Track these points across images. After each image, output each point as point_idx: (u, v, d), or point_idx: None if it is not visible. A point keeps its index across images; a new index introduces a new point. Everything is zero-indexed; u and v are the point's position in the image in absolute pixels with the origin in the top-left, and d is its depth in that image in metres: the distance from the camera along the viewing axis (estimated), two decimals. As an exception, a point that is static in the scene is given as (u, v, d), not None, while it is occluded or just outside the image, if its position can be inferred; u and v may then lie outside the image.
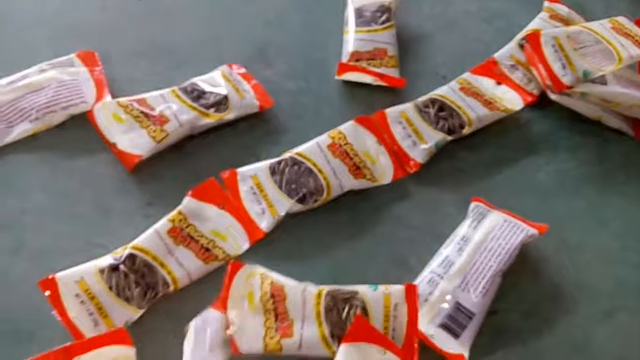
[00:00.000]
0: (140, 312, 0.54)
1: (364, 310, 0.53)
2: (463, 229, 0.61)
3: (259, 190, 0.62)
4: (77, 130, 0.67)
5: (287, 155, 0.64)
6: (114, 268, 0.54)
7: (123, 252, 0.55)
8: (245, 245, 0.60)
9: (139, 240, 0.56)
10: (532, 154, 0.72)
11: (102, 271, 0.54)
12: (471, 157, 0.71)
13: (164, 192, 0.63)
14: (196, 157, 0.66)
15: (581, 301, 0.61)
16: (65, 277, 0.53)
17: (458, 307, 0.56)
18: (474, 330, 0.56)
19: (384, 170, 0.66)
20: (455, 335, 0.55)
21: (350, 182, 0.64)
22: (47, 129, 0.66)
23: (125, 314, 0.53)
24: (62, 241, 0.60)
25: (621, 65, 0.71)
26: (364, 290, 0.54)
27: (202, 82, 0.68)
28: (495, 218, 0.61)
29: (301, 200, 0.62)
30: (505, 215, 0.62)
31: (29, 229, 0.61)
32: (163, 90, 0.66)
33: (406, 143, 0.68)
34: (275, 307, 0.52)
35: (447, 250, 0.60)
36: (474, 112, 0.70)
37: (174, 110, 0.64)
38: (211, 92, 0.67)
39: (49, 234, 0.60)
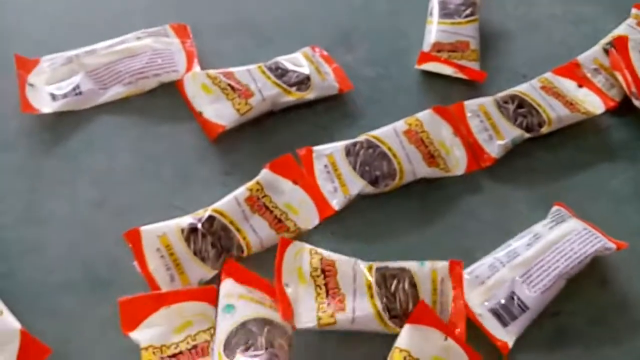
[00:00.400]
0: (214, 272, 0.57)
1: (412, 284, 0.55)
2: (538, 226, 0.61)
3: (334, 169, 0.63)
4: (167, 98, 0.70)
5: (363, 137, 0.65)
6: (193, 229, 0.57)
7: (204, 213, 0.58)
8: (316, 221, 0.62)
9: (219, 204, 0.59)
10: (609, 160, 0.71)
11: (182, 230, 0.57)
12: (547, 156, 0.70)
13: (242, 163, 0.66)
14: (275, 132, 0.69)
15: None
16: (149, 230, 0.56)
17: (513, 296, 0.56)
18: (524, 324, 0.55)
19: (458, 162, 0.66)
20: (504, 323, 0.55)
21: (424, 170, 0.64)
22: (138, 94, 0.70)
23: (200, 272, 0.56)
24: (143, 200, 0.63)
25: None
26: (412, 265, 0.56)
27: (285, 61, 0.70)
28: (575, 224, 0.60)
29: (373, 183, 0.63)
30: (586, 225, 0.61)
31: (115, 185, 0.64)
32: (250, 65, 0.69)
33: (482, 137, 0.68)
34: (327, 282, 0.54)
35: (516, 242, 0.60)
36: (554, 112, 0.69)
37: (259, 85, 0.66)
38: (294, 71, 0.69)
39: (132, 193, 0.64)
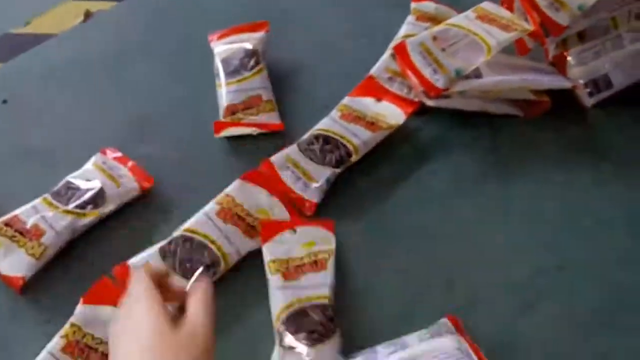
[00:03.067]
0: None
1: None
2: (411, 336, 0.57)
3: (155, 279, 0.60)
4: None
5: (176, 233, 0.62)
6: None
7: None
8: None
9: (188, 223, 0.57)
10: (426, 162, 0.72)
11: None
12: (369, 180, 0.70)
13: (60, 305, 0.60)
14: (86, 258, 0.64)
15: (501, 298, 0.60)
16: None
17: None
18: None
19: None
20: None
21: (247, 244, 0.62)
22: None
23: None
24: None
25: (492, 54, 0.71)
26: None
27: (75, 179, 0.66)
28: (451, 342, 0.55)
29: (199, 278, 0.60)
30: (465, 346, 0.55)
31: None
32: (34, 200, 0.64)
33: (298, 186, 0.67)
34: None
35: (380, 347, 0.56)
36: (358, 139, 0.69)
37: (49, 219, 0.61)
38: (86, 189, 0.64)
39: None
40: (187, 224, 0.62)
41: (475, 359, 0.54)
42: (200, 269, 0.49)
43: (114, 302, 0.58)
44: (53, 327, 0.58)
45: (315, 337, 0.55)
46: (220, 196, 0.64)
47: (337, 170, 0.68)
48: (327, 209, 0.67)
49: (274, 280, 0.59)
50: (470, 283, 0.62)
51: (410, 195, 0.69)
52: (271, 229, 0.63)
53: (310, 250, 0.61)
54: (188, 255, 0.60)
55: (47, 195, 0.64)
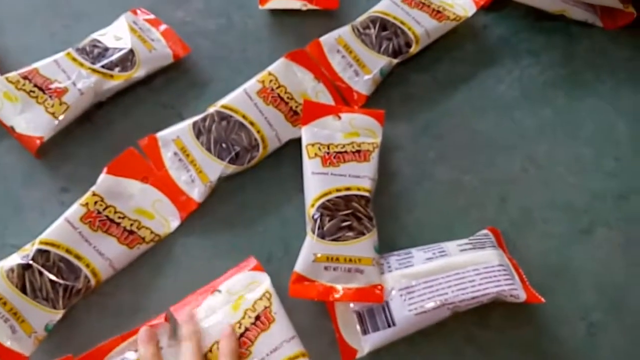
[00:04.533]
0: (61, 312, 0.48)
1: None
2: (450, 244, 0.53)
3: (185, 155, 0.54)
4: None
5: (212, 109, 0.55)
6: (25, 267, 0.48)
7: (31, 247, 0.49)
8: (176, 222, 0.54)
9: (48, 233, 0.49)
10: (491, 65, 0.64)
11: (12, 271, 0.48)
12: (422, 78, 0.63)
13: (78, 172, 0.56)
14: (110, 126, 0.58)
15: (556, 221, 0.56)
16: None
17: (384, 307, 0.49)
18: (385, 339, 0.49)
19: (325, 111, 0.58)
20: (364, 330, 0.50)
21: (289, 131, 0.56)
22: None
23: (45, 316, 0.48)
24: (-27, 246, 0.53)
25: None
26: None
27: (102, 37, 0.58)
28: (493, 257, 0.51)
29: (234, 160, 0.54)
30: (507, 262, 0.52)
31: None
32: (57, 55, 0.57)
33: (348, 75, 0.60)
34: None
35: (417, 252, 0.52)
36: (420, 27, 0.61)
37: (72, 77, 0.55)
38: (114, 48, 0.57)
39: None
40: (225, 100, 0.56)
41: (517, 278, 0.51)
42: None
43: (139, 175, 0.53)
44: (70, 196, 0.54)
45: (350, 229, 0.51)
46: (262, 74, 0.57)
47: (394, 61, 0.60)
48: (376, 102, 0.60)
49: (311, 164, 0.53)
50: (524, 201, 0.57)
51: (469, 99, 0.62)
52: (313, 111, 0.56)
53: (353, 140, 0.55)
54: (224, 134, 0.54)
55: (71, 50, 0.57)
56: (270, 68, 0.58)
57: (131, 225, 0.52)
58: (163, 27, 0.61)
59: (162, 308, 0.49)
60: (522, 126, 0.61)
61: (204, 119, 0.55)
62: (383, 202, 0.56)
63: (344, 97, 0.60)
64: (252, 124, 0.55)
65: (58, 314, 0.48)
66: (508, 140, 0.60)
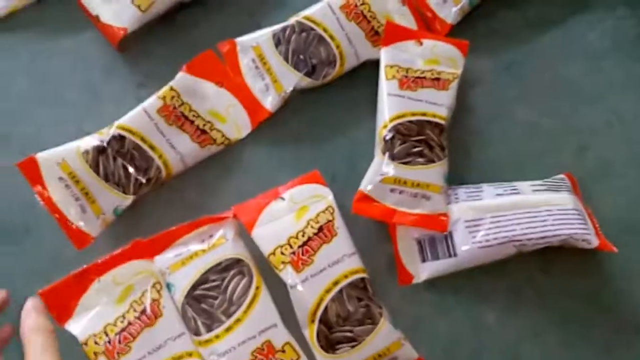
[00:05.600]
0: (130, 198, 0.49)
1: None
2: (523, 183, 0.51)
3: (262, 62, 0.54)
4: (59, 6, 0.59)
5: (293, 20, 0.55)
6: (100, 150, 0.49)
7: (108, 131, 0.49)
8: (247, 129, 0.54)
9: (125, 119, 0.50)
10: (583, 11, 0.61)
11: (87, 152, 0.49)
12: (511, 15, 0.60)
13: (157, 70, 0.56)
14: (191, 28, 0.58)
15: (634, 178, 0.53)
16: (45, 158, 0.48)
17: (447, 236, 0.48)
18: (443, 269, 0.48)
19: (407, 36, 0.56)
20: (424, 258, 0.49)
21: (368, 51, 0.55)
22: (24, 5, 0.59)
23: (114, 200, 0.49)
24: (49, 130, 0.55)
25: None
26: None
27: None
28: (568, 200, 0.49)
29: (310, 74, 0.53)
30: (582, 209, 0.50)
31: (14, 118, 0.55)
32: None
33: (436, 0, 0.58)
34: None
35: (488, 187, 0.51)
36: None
37: (159, -28, 0.55)
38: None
39: (36, 123, 0.55)
40: (307, 12, 0.55)
41: (590, 225, 0.49)
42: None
43: (215, 79, 0.53)
44: (147, 92, 0.54)
45: (420, 155, 0.50)
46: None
47: None
48: (460, 34, 0.58)
49: (388, 85, 0.52)
50: (603, 154, 0.54)
51: (558, 43, 0.59)
52: (395, 33, 0.54)
53: (433, 67, 0.54)
54: (303, 46, 0.54)
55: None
56: (354, -15, 0.56)
57: (204, 125, 0.52)
58: None
59: (226, 208, 0.49)
60: (610, 78, 0.58)
61: (284, 29, 0.54)
62: (457, 136, 0.54)
63: (428, 24, 0.58)
64: (332, 38, 0.54)
65: (128, 200, 0.49)
66: (594, 90, 0.57)
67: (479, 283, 0.50)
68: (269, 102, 0.54)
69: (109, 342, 0.42)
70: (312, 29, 0.54)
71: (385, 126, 0.51)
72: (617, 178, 0.54)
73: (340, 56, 0.54)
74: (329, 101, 0.56)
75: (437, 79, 0.53)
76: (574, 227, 0.47)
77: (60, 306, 0.42)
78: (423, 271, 0.49)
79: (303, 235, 0.47)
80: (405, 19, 0.57)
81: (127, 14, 0.54)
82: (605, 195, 0.53)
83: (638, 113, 0.56)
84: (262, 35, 0.54)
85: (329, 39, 0.54)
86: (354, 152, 0.54)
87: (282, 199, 0.49)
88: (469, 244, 0.48)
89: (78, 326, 0.42)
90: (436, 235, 0.49)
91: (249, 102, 0.54)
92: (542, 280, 0.50)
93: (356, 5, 0.55)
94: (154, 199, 0.52)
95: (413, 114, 0.51)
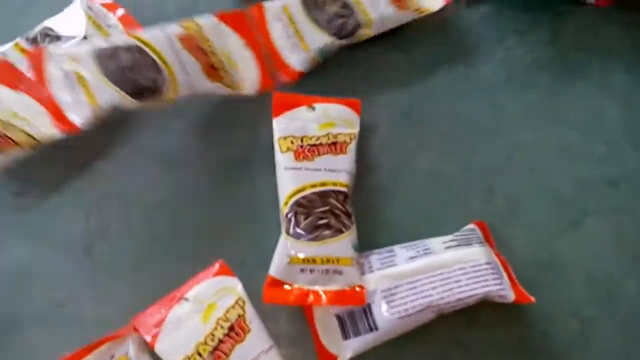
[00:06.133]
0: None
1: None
2: (434, 240, 0.50)
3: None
4: None
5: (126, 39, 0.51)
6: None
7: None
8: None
9: (142, 33, 0.50)
10: (472, 48, 0.61)
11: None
12: (403, 59, 0.59)
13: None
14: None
15: (544, 211, 0.53)
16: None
17: (366, 310, 0.46)
18: (366, 344, 0.46)
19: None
20: (345, 335, 0.47)
21: (204, 84, 0.52)
22: None
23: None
24: None
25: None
26: None
27: (55, 24, 0.54)
28: (480, 254, 0.48)
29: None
30: (495, 260, 0.49)
31: None
32: (4, 46, 0.52)
33: (285, 44, 0.56)
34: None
35: (400, 250, 0.49)
36: (376, 11, 0.57)
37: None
38: (67, 37, 0.53)
39: None
40: (141, 34, 0.51)
41: (505, 276, 0.48)
42: None
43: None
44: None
45: (327, 227, 0.48)
46: (187, 22, 0.53)
47: (337, 42, 0.56)
48: (353, 85, 0.56)
49: (284, 159, 0.50)
50: (510, 191, 0.54)
51: (450, 82, 0.59)
52: (285, 102, 0.53)
53: (329, 131, 0.52)
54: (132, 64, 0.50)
55: (20, 40, 0.52)
56: (198, 20, 0.53)
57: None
58: (120, 11, 0.57)
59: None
60: (506, 111, 0.58)
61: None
62: (361, 197, 0.52)
63: (275, 68, 0.56)
64: (164, 63, 0.50)
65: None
66: (491, 126, 0.57)
67: (405, 352, 0.48)
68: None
69: None
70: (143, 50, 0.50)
71: (286, 203, 0.48)
72: (526, 214, 0.53)
73: (171, 80, 0.50)
74: (223, 183, 0.53)
75: (334, 143, 0.51)
76: (489, 283, 0.46)
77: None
78: (347, 349, 0.47)
79: (212, 340, 0.44)
80: (249, 65, 0.55)
81: None
82: (517, 234, 0.52)
83: (536, 141, 0.57)
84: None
85: (161, 64, 0.50)
86: (260, 234, 0.51)
87: (186, 299, 0.46)
88: (388, 315, 0.46)
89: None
90: (355, 310, 0.47)
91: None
92: (468, 337, 0.49)
93: (195, 38, 0.52)
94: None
95: (313, 185, 0.49)
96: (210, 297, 0.46)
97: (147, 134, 0.55)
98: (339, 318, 0.47)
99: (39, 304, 0.48)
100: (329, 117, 0.53)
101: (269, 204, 0.51)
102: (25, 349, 0.46)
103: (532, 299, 0.47)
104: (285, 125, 0.52)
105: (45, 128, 0.48)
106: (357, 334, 0.47)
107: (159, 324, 0.44)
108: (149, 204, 0.51)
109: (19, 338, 0.46)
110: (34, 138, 0.48)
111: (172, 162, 0.53)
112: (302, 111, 0.53)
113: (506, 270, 0.49)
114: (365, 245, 0.50)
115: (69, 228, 0.50)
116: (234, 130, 0.55)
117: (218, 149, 0.54)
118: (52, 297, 0.48)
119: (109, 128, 0.52)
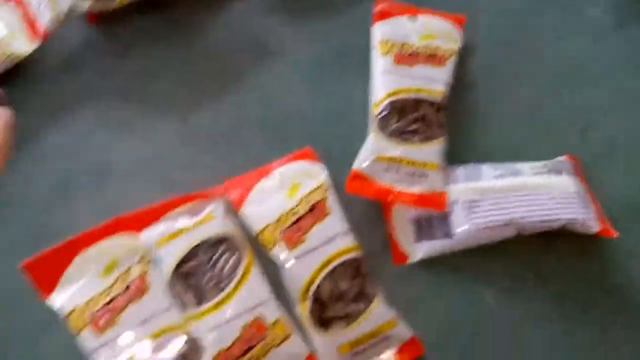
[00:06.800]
0: None
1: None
2: (523, 165, 0.49)
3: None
4: None
5: None
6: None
7: None
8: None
9: None
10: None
11: None
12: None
13: None
14: None
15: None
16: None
17: (444, 217, 0.47)
18: (439, 249, 0.47)
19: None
20: (418, 237, 0.47)
21: None
22: None
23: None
24: None
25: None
26: None
27: None
28: (569, 183, 0.48)
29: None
30: (583, 192, 0.48)
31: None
32: None
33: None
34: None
35: (486, 166, 0.49)
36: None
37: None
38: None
39: None
40: None
41: (592, 209, 0.47)
42: None
43: None
44: None
45: (417, 133, 0.48)
46: None
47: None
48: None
49: (383, 61, 0.51)
50: (609, 135, 0.53)
51: (559, 19, 0.58)
52: (387, 9, 0.54)
53: (428, 43, 0.52)
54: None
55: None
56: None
57: None
58: None
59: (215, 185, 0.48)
60: (614, 53, 0.56)
61: None
62: (454, 114, 0.53)
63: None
64: None
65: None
66: (596, 68, 0.56)
67: (477, 264, 0.48)
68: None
69: (93, 315, 0.41)
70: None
71: (380, 103, 0.49)
72: (621, 158, 0.52)
73: None
74: (322, 79, 0.54)
75: (434, 55, 0.52)
76: (575, 211, 0.46)
77: (43, 279, 0.41)
78: (418, 251, 0.48)
79: (294, 214, 0.46)
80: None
81: None
82: (610, 175, 0.51)
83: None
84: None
85: None
86: (350, 130, 0.52)
87: (274, 175, 0.48)
88: (466, 225, 0.46)
89: (61, 299, 0.41)
90: (433, 215, 0.48)
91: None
92: (543, 262, 0.48)
93: None
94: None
95: (408, 91, 0.50)
96: (296, 177, 0.47)
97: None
98: (417, 220, 0.48)
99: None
100: (430, 29, 0.53)
101: (358, 106, 0.52)
102: (119, 192, 0.50)
103: (616, 233, 0.46)
104: (386, 30, 0.53)
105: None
106: (431, 237, 0.47)
107: (247, 191, 0.46)
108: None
109: (114, 179, 0.50)
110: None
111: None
112: (403, 20, 0.53)
113: (594, 203, 0.48)
114: (452, 159, 0.50)
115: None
116: (330, 28, 0.57)
117: (314, 43, 0.56)
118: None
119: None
